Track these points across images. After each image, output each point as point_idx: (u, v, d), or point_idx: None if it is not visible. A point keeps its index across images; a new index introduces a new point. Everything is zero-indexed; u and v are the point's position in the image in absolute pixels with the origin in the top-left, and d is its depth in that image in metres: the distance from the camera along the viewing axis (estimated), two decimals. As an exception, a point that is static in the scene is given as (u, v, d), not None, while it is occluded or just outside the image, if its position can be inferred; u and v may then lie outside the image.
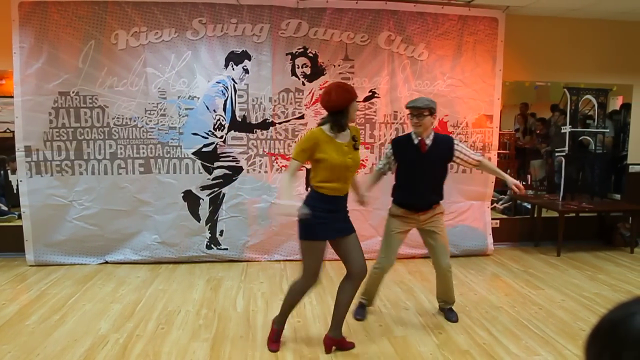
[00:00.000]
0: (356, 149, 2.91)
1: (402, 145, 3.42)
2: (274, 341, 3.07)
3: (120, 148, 4.74)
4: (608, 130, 5.79)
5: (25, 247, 4.71)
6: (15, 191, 5.00)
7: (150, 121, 4.73)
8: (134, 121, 4.71)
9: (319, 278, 2.93)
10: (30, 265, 4.70)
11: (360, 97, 4.96)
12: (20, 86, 4.51)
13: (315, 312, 3.71)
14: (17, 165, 4.63)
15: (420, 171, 3.34)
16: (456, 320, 3.55)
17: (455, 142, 3.41)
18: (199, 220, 4.88)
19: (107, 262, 4.82)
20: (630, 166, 5.91)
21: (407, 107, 3.35)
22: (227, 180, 4.88)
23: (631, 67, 5.69)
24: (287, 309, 3.07)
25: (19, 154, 4.60)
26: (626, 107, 5.82)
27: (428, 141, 3.33)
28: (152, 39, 4.64)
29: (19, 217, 4.86)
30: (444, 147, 3.38)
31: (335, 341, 3.04)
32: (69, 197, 4.72)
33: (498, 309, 3.81)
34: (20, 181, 4.65)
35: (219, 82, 4.77)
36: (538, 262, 5.10)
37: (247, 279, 4.46)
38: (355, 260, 2.95)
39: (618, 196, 5.92)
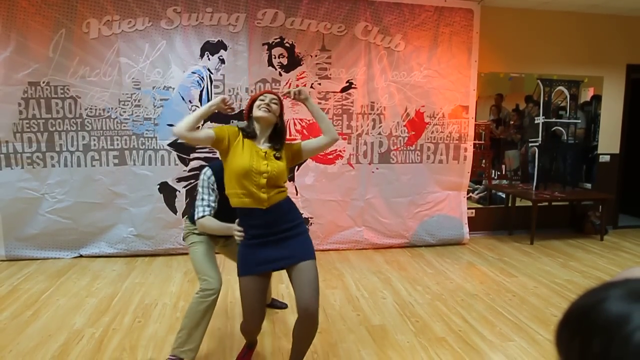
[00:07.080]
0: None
1: None
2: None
3: (94, 140, 4.64)
4: (580, 121, 5.92)
5: (-5, 242, 4.59)
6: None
7: (125, 112, 4.64)
8: (108, 112, 4.62)
9: None
10: (2, 260, 4.59)
11: (337, 88, 4.97)
12: (-12, 76, 4.37)
13: (293, 303, 3.72)
14: (-14, 158, 4.50)
15: None
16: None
17: None
18: (175, 212, 4.82)
19: (81, 256, 4.74)
20: (600, 156, 6.06)
21: None
22: (203, 171, 4.82)
23: (601, 59, 5.82)
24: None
25: (-12, 146, 4.47)
26: (597, 98, 5.95)
27: None
28: (126, 28, 4.54)
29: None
30: None
31: None
32: (40, 190, 4.61)
33: (473, 297, 3.88)
34: (-11, 174, 4.52)
35: (195, 72, 4.70)
36: (512, 250, 5.21)
37: (224, 271, 4.38)
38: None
39: (589, 185, 6.07)
